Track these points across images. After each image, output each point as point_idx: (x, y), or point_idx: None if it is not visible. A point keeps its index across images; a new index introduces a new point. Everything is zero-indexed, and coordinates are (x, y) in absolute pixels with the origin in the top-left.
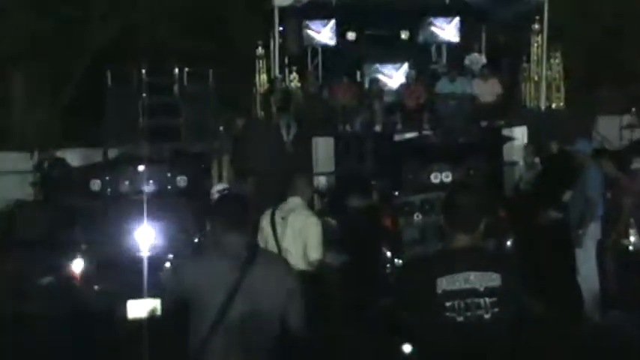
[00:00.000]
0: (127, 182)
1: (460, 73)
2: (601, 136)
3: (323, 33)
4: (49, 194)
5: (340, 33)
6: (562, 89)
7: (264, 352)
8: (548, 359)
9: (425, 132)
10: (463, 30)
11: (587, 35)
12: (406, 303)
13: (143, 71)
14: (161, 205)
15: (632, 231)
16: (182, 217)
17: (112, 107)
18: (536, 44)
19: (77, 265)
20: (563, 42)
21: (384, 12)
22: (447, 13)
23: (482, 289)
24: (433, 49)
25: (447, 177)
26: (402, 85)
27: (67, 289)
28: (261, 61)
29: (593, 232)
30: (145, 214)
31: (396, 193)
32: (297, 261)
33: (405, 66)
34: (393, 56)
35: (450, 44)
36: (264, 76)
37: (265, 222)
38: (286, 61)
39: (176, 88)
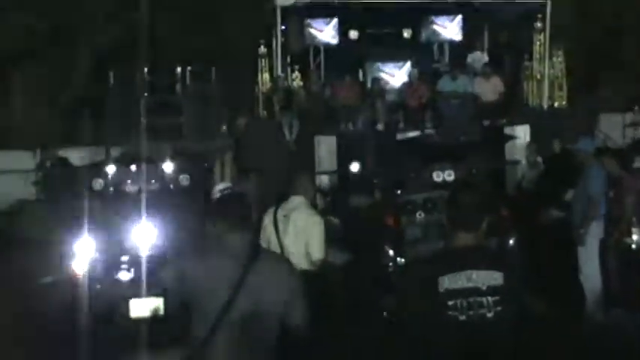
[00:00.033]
0: (129, 181)
1: (462, 72)
2: (604, 134)
3: (325, 32)
4: (52, 193)
5: (342, 32)
6: (564, 88)
7: (265, 351)
8: (550, 358)
9: (427, 131)
10: (465, 28)
11: (588, 34)
12: (408, 302)
13: (145, 70)
14: (163, 204)
15: (634, 230)
16: (185, 216)
17: (114, 106)
18: (538, 42)
19: (79, 265)
20: (565, 41)
21: (386, 11)
22: (449, 11)
23: (484, 287)
24: (435, 47)
25: (449, 176)
26: (404, 84)
27: (69, 288)
28: (263, 60)
29: (595, 230)
30: (147, 213)
31: (399, 191)
32: (299, 260)
33: (408, 65)
34: (395, 55)
35: (452, 43)
36: (266, 75)
37: (268, 221)
38: (288, 59)
39: (178, 87)
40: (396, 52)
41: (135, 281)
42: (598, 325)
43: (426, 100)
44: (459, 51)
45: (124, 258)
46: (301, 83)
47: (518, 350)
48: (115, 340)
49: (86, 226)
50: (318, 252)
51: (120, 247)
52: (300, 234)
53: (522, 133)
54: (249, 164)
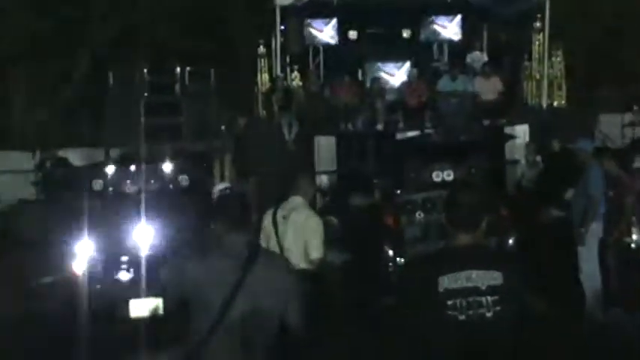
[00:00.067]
0: (128, 182)
1: (462, 72)
2: (603, 134)
3: (325, 32)
4: (51, 194)
5: (342, 31)
6: (564, 87)
7: (264, 351)
8: (550, 357)
9: (427, 130)
10: (465, 28)
11: (587, 34)
12: (408, 301)
13: (145, 71)
14: (163, 205)
15: (634, 229)
16: (184, 216)
17: (113, 107)
18: (537, 42)
19: (79, 265)
20: (565, 40)
21: (385, 10)
22: (448, 11)
23: (484, 287)
24: (435, 47)
25: (448, 175)
26: (403, 84)
27: (69, 288)
28: (262, 60)
29: (595, 230)
30: (147, 213)
31: (398, 191)
32: (298, 260)
33: (407, 64)
34: (394, 54)
35: (451, 42)
36: (265, 75)
37: (267, 221)
38: (288, 59)
39: (177, 87)
40: (395, 52)
41: (134, 281)
42: (597, 325)
43: (426, 99)
44: (458, 51)
45: (124, 258)
46: (300, 83)
47: (517, 350)
48: (114, 340)
49: (86, 227)
50: (317, 252)
51: (119, 247)
52: (299, 234)
53: (522, 132)
54: (249, 164)
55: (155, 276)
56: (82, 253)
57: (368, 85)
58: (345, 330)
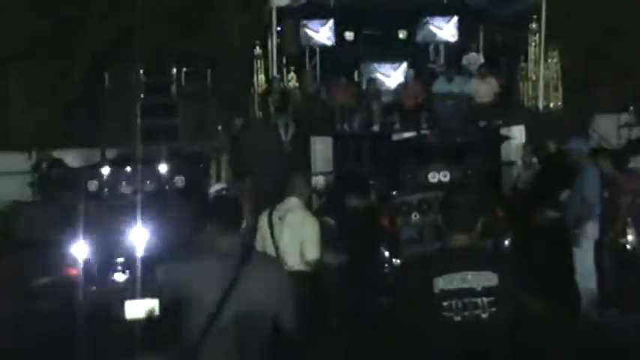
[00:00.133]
0: (124, 182)
1: (458, 73)
2: (598, 134)
3: (321, 33)
4: (47, 195)
5: (338, 32)
6: (559, 88)
7: (257, 352)
8: (546, 358)
9: (423, 131)
10: (461, 29)
11: (585, 35)
12: (404, 302)
13: (141, 71)
14: (159, 206)
15: (629, 230)
16: (180, 217)
17: (109, 107)
18: (533, 44)
19: (75, 266)
20: (562, 41)
21: (382, 11)
22: (444, 12)
23: (479, 288)
24: (431, 48)
25: (444, 176)
26: (399, 85)
27: (65, 289)
28: (259, 61)
29: (590, 231)
30: (143, 214)
31: (394, 192)
32: (294, 261)
33: (403, 65)
34: (390, 56)
35: (447, 44)
36: (262, 76)
37: (263, 222)
38: (284, 60)
39: (174, 88)
40: (391, 53)
41: (130, 282)
42: (593, 325)
43: (422, 101)
44: (454, 52)
45: (120, 259)
46: (297, 84)
47: (513, 351)
48: (109, 341)
49: (82, 228)
50: (313, 253)
51: (115, 248)
52: (295, 235)
53: (518, 133)
54: (245, 165)
55: (151, 277)
56: (78, 255)
57: (364, 86)
58: (341, 331)
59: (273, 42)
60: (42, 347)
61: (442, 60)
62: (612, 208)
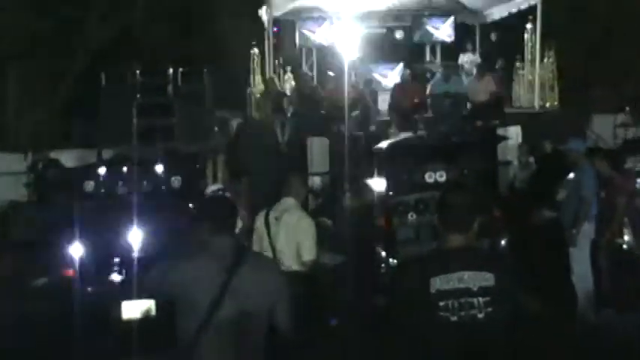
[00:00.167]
0: (120, 183)
1: (454, 73)
2: (595, 135)
3: (317, 33)
4: (43, 195)
5: (335, 33)
6: (556, 88)
7: (252, 353)
8: (543, 358)
9: (419, 132)
10: (457, 30)
11: (581, 35)
12: (400, 303)
13: (137, 71)
14: (155, 206)
15: (625, 230)
16: (176, 218)
17: (106, 108)
18: (529, 43)
19: (71, 266)
20: (559, 41)
21: (378, 12)
22: (441, 12)
23: (475, 288)
24: (427, 48)
25: (441, 176)
26: (396, 85)
27: (62, 290)
28: (255, 61)
29: (587, 231)
30: (139, 214)
31: (391, 192)
32: (291, 261)
33: (400, 66)
34: (387, 56)
35: (444, 44)
36: (258, 77)
37: (259, 222)
38: (281, 61)
39: (170, 88)
40: (388, 53)
41: (126, 283)
42: (590, 326)
43: (419, 101)
44: (451, 52)
45: (116, 260)
46: (293, 84)
47: (509, 351)
48: (106, 342)
49: (78, 228)
50: (309, 253)
51: (111, 248)
52: (291, 236)
53: (514, 133)
54: (242, 166)
55: (145, 278)
56: (74, 255)
57: (361, 86)
58: (338, 331)
59: (270, 42)
60: (38, 348)
61: (439, 60)
62: (609, 208)
